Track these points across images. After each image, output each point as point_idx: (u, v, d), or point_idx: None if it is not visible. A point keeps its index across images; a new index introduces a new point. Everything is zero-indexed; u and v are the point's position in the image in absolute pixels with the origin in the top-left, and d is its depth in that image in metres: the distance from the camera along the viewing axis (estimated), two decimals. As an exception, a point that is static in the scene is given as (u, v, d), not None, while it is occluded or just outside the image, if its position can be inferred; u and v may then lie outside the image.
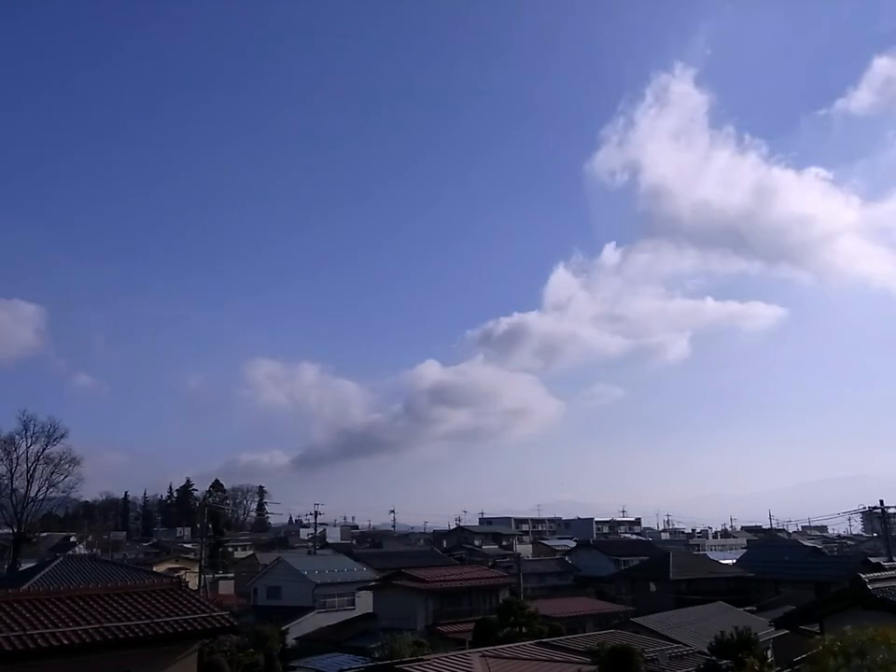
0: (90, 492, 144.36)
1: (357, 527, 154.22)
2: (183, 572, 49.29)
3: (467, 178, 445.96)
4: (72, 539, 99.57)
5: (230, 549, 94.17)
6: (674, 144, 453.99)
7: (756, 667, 19.20)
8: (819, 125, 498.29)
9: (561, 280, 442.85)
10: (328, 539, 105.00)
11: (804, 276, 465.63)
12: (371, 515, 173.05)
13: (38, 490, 66.37)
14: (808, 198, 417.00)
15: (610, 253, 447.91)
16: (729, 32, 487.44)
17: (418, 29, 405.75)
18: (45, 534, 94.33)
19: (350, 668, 29.69)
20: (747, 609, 42.54)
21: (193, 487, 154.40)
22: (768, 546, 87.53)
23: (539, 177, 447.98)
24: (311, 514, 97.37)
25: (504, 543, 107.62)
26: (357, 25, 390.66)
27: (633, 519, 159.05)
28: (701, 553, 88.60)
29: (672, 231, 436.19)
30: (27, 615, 16.86)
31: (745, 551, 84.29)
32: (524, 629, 34.39)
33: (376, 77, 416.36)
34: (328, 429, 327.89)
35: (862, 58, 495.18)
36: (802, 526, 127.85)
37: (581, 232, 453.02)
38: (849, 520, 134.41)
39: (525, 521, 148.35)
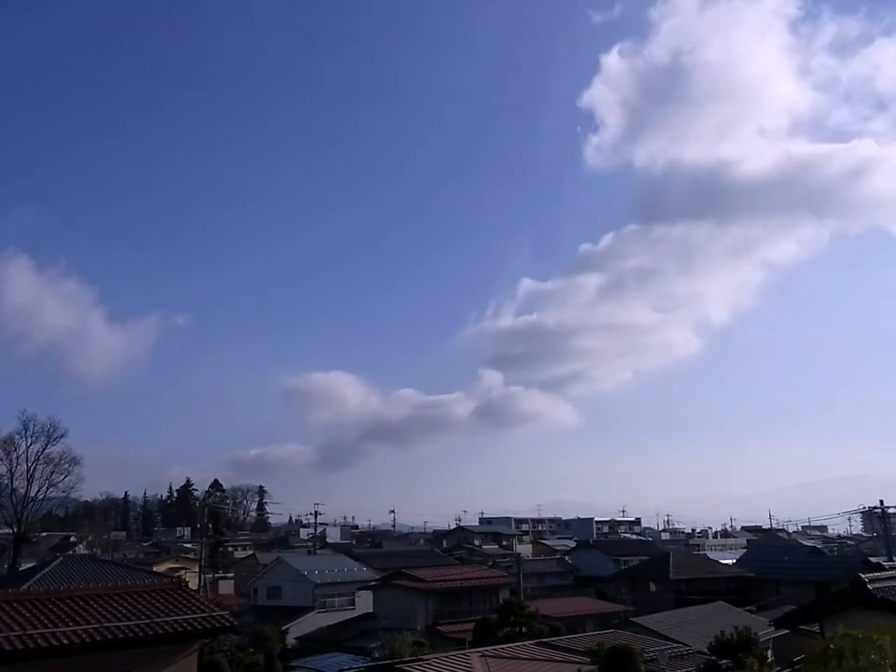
0: (90, 492, 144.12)
1: (357, 527, 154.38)
2: (183, 572, 49.23)
3: (466, 178, 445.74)
4: (72, 538, 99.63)
5: (230, 549, 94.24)
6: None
7: (756, 667, 19.19)
8: None
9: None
10: (328, 539, 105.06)
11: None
12: (371, 515, 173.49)
13: (38, 490, 66.53)
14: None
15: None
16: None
17: (418, 28, 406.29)
18: (45, 534, 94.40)
19: (350, 668, 29.64)
20: (747, 608, 42.56)
21: (193, 487, 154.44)
22: (768, 546, 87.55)
23: (541, 177, 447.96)
24: (311, 514, 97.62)
25: (504, 543, 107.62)
26: (356, 24, 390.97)
27: (633, 519, 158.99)
28: (701, 553, 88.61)
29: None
30: (27, 615, 16.87)
31: (745, 551, 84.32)
32: (524, 629, 34.40)
33: (376, 77, 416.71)
34: (328, 429, 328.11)
35: None
36: (802, 526, 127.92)
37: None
38: (849, 520, 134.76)
39: (525, 521, 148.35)
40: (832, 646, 11.95)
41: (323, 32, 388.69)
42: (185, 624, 18.37)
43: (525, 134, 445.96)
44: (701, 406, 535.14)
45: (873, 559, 51.96)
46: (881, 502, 58.91)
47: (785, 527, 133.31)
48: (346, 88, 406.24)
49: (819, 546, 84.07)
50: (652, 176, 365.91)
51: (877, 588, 19.83)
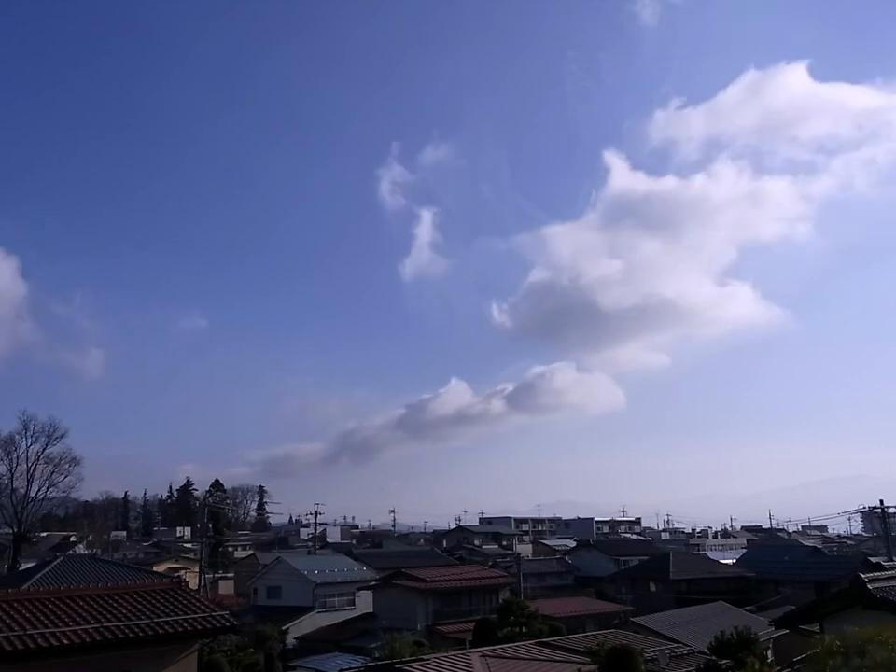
0: (90, 492, 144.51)
1: (357, 527, 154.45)
2: (183, 572, 49.33)
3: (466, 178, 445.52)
4: (72, 538, 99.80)
5: (230, 549, 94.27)
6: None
7: (756, 667, 19.23)
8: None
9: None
10: (328, 539, 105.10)
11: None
12: (371, 515, 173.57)
13: (38, 490, 66.54)
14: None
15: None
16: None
17: (417, 29, 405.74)
18: (45, 534, 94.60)
19: (350, 668, 29.66)
20: (747, 608, 42.60)
21: (193, 487, 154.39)
22: (768, 546, 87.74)
23: (543, 179, 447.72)
24: (311, 514, 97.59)
25: (504, 543, 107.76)
26: (354, 22, 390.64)
27: (633, 519, 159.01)
28: (701, 553, 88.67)
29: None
30: (27, 615, 16.88)
31: (745, 551, 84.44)
32: (524, 629, 34.40)
33: (375, 71, 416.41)
34: (331, 428, 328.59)
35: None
36: (802, 526, 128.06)
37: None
38: (849, 520, 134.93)
39: (525, 521, 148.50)
40: (837, 643, 11.94)
41: (323, 31, 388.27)
42: (185, 624, 18.38)
43: (530, 132, 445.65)
44: (701, 406, 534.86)
45: (873, 559, 52.11)
46: (881, 502, 58.91)
47: (785, 527, 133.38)
48: (346, 87, 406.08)
49: (819, 546, 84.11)
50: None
51: (877, 588, 19.83)
